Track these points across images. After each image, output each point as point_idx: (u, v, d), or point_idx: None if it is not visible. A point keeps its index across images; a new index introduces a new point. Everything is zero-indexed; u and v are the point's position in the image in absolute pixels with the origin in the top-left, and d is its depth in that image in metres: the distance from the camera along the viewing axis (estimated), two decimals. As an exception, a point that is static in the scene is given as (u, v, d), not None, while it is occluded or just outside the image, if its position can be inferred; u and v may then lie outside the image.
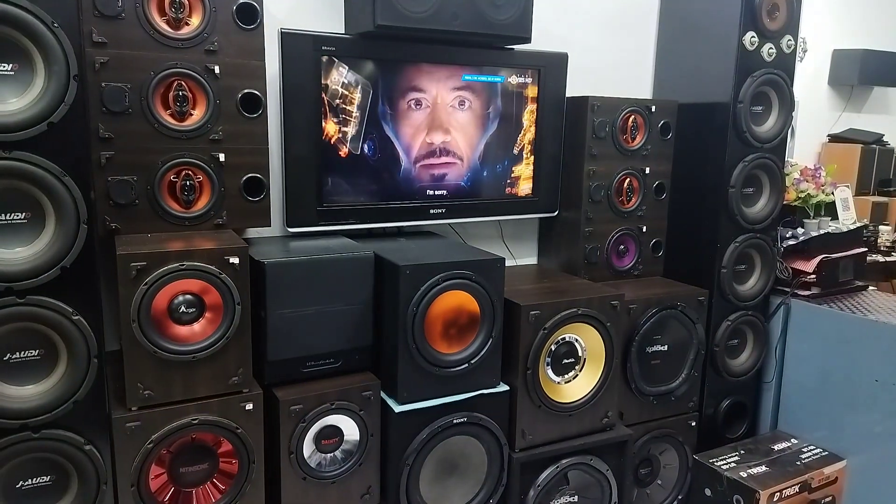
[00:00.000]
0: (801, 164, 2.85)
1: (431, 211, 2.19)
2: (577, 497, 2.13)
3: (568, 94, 2.35)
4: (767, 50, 2.39)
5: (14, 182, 1.40)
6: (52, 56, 1.39)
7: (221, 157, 1.78)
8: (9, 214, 1.42)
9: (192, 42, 1.72)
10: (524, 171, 2.34)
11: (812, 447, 2.50)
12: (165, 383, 1.60)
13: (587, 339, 2.06)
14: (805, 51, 3.19)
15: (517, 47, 2.21)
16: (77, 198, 1.44)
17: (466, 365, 1.89)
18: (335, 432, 1.79)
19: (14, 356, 1.45)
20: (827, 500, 2.42)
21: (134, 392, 1.58)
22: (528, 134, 2.31)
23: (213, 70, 1.74)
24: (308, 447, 1.77)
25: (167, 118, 1.73)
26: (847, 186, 2.84)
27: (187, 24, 1.72)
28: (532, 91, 2.28)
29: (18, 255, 1.42)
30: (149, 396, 1.59)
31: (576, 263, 2.38)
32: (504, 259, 1.92)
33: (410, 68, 2.07)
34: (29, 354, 1.47)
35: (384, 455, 1.87)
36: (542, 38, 2.29)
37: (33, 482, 1.52)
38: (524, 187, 2.35)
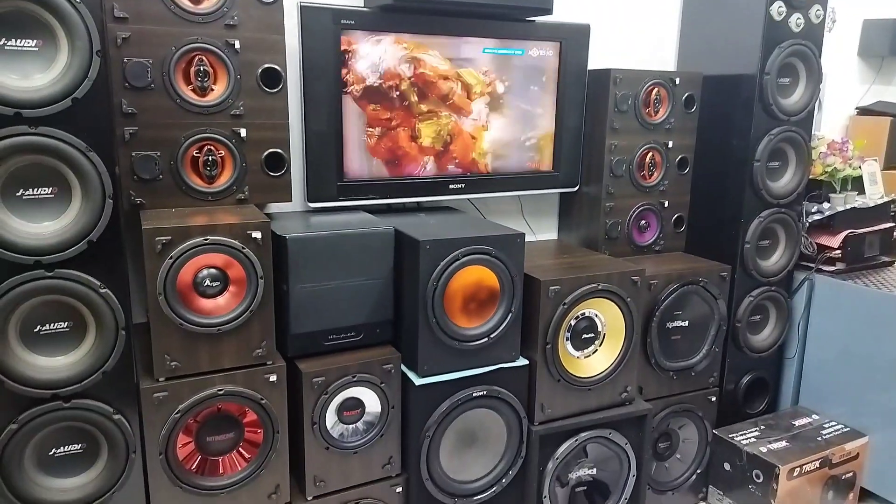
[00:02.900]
0: (828, 137, 2.79)
1: (451, 186, 2.19)
2: (595, 470, 2.14)
3: (590, 67, 2.31)
4: (795, 20, 2.33)
5: (40, 157, 1.42)
6: (75, 32, 1.40)
7: (243, 132, 1.79)
8: (36, 189, 1.44)
9: (213, 17, 1.72)
10: (544, 146, 2.32)
11: (833, 423, 2.49)
12: (191, 355, 1.64)
13: (607, 315, 2.06)
14: (834, 21, 3.10)
15: (538, 19, 2.18)
16: (102, 173, 1.46)
17: (486, 339, 1.90)
18: (357, 404, 1.82)
19: (44, 328, 1.49)
20: (848, 475, 2.41)
21: (161, 363, 1.61)
22: (548, 107, 2.29)
23: (234, 45, 1.74)
24: (331, 418, 1.80)
25: (189, 93, 1.74)
26: (875, 160, 2.78)
27: (207, -2, 1.72)
28: (553, 63, 2.25)
29: (46, 229, 1.45)
30: (175, 367, 1.62)
31: (596, 239, 2.37)
32: (524, 234, 1.91)
33: (429, 41, 2.05)
34: (58, 326, 1.50)
35: (405, 427, 1.90)
36: (564, 10, 2.25)
37: (65, 450, 1.56)
38: (544, 162, 2.33)
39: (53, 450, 1.55)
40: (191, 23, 1.70)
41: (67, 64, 1.41)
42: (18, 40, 1.39)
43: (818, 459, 2.32)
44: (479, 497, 1.99)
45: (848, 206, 2.56)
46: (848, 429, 2.46)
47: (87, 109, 1.43)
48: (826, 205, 2.58)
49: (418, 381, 1.84)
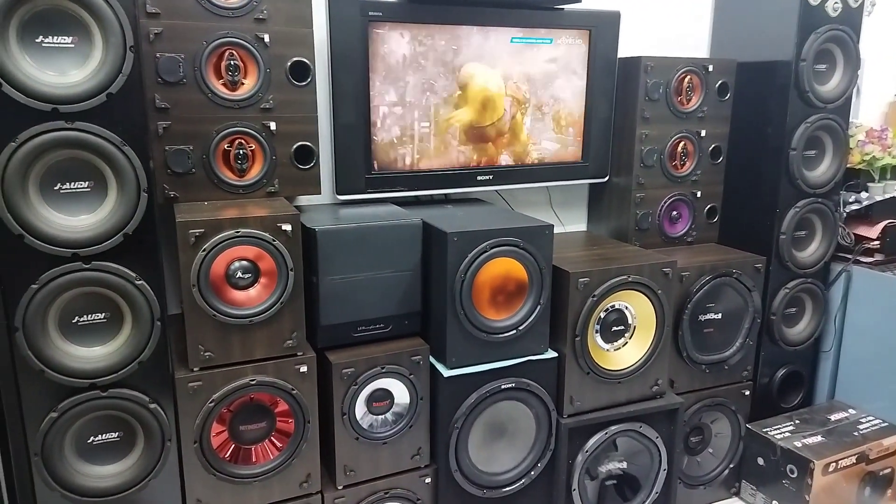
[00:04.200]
0: (867, 125, 2.72)
1: (479, 178, 2.18)
2: (625, 463, 2.13)
3: (620, 55, 2.28)
4: (833, 4, 2.26)
5: (77, 152, 1.45)
6: (109, 28, 1.43)
7: (272, 125, 1.81)
8: (73, 183, 1.47)
9: (242, 10, 1.73)
10: (574, 136, 2.29)
11: (871, 418, 2.43)
12: (224, 346, 1.66)
13: (637, 307, 2.04)
14: (874, 4, 3.00)
15: (567, 7, 2.15)
16: (137, 167, 1.49)
17: (514, 331, 1.90)
18: (386, 395, 1.83)
19: (82, 319, 1.53)
20: (886, 471, 2.36)
21: (195, 354, 1.64)
22: (578, 97, 2.26)
23: (263, 39, 1.76)
24: (360, 409, 1.81)
25: (220, 88, 1.75)
26: (917, 148, 2.70)
27: (237, -8, 1.73)
28: (582, 52, 2.22)
29: (83, 222, 1.48)
30: (209, 358, 1.65)
31: (626, 230, 2.34)
32: (552, 226, 1.90)
33: (458, 31, 2.04)
34: (95, 317, 1.54)
35: (433, 418, 1.90)
36: (594, -2, 2.22)
37: (103, 438, 1.60)
38: (573, 152, 2.31)
39: (92, 438, 1.59)
40: (221, 17, 1.72)
41: (102, 60, 1.44)
42: (55, 37, 1.41)
43: (855, 455, 2.27)
44: (507, 489, 1.99)
45: (887, 196, 2.49)
46: (886, 424, 2.40)
47: (121, 104, 1.46)
48: (864, 194, 2.51)
49: (447, 373, 1.85)
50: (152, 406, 1.61)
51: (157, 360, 1.59)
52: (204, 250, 1.59)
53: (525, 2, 2.06)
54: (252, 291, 1.67)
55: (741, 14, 2.46)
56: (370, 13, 1.91)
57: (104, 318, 1.54)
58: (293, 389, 1.72)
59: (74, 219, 1.47)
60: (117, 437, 1.62)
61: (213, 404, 1.65)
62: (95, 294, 1.52)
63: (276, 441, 1.76)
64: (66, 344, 1.52)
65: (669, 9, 2.52)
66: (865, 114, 3.04)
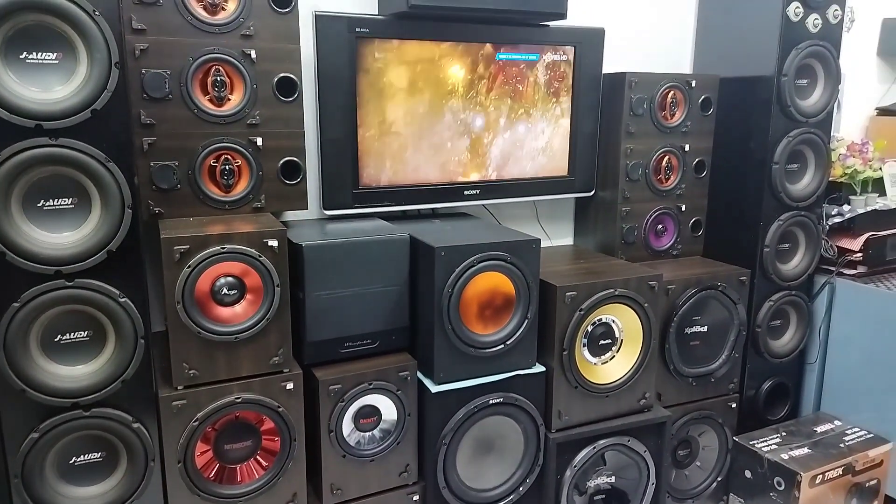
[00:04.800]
0: (848, 138, 2.75)
1: (466, 192, 2.19)
2: (614, 478, 2.12)
3: (605, 71, 2.30)
4: (813, 21, 2.30)
5: (61, 168, 1.44)
6: (94, 44, 1.42)
7: (259, 141, 1.80)
8: (56, 200, 1.46)
9: (229, 27, 1.73)
10: (559, 151, 2.31)
11: (856, 429, 2.45)
12: (209, 363, 1.65)
13: (624, 320, 2.05)
14: (853, 20, 3.06)
15: (552, 24, 2.17)
16: (121, 183, 1.48)
17: (502, 346, 1.89)
18: (373, 411, 1.82)
19: (64, 337, 1.51)
20: (872, 483, 2.37)
21: (180, 371, 1.62)
22: (563, 112, 2.28)
23: (250, 55, 1.76)
24: (347, 426, 1.80)
25: (206, 103, 1.75)
26: (896, 161, 2.74)
27: (223, 9, 1.73)
28: (568, 68, 2.24)
29: (66, 239, 1.46)
30: (194, 376, 1.63)
31: (613, 244, 2.35)
32: (539, 240, 1.90)
33: (444, 47, 2.05)
34: (78, 335, 1.52)
35: (421, 434, 1.89)
36: (578, 14, 2.25)
37: (85, 458, 1.58)
38: (560, 167, 2.32)
39: (74, 458, 1.57)
40: (208, 33, 1.72)
41: (87, 76, 1.43)
42: (39, 53, 1.41)
43: (841, 466, 2.28)
44: (496, 505, 1.98)
45: (869, 209, 2.52)
46: (871, 435, 2.41)
47: (106, 120, 1.45)
48: (846, 207, 2.54)
49: (434, 389, 1.84)
50: (135, 425, 1.58)
51: (141, 379, 1.57)
52: (189, 266, 1.58)
53: (511, 18, 2.07)
54: (238, 308, 1.65)
55: (723, 30, 2.50)
56: (357, 29, 1.91)
57: (87, 336, 1.52)
58: (279, 407, 1.71)
59: (57, 236, 1.46)
60: (100, 457, 1.59)
61: (197, 423, 1.63)
62: (78, 312, 1.50)
63: (261, 460, 1.74)
64: (48, 363, 1.50)
65: (653, 25, 2.55)
66: (846, 128, 3.09)
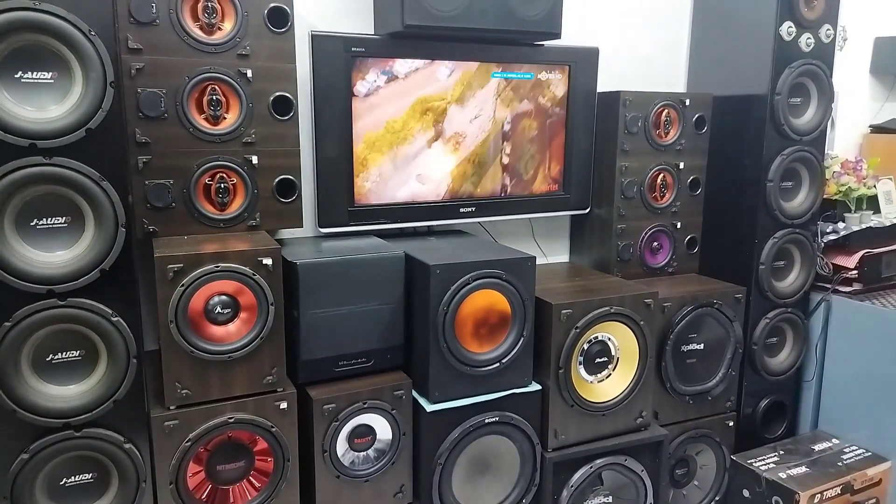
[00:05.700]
0: (842, 156, 2.77)
1: (461, 210, 2.19)
2: (611, 497, 2.10)
3: (599, 90, 2.32)
4: (805, 40, 2.32)
5: (54, 187, 1.43)
6: (89, 64, 1.42)
7: (254, 159, 1.81)
8: (50, 219, 1.45)
9: (225, 46, 1.74)
10: (555, 169, 2.31)
11: (854, 448, 2.43)
12: (202, 383, 1.63)
13: (620, 338, 2.04)
14: (845, 39, 3.09)
15: (547, 43, 2.19)
16: (115, 202, 1.47)
17: (498, 364, 1.89)
18: (368, 431, 1.81)
19: (56, 357, 1.49)
20: (870, 502, 2.35)
21: (172, 391, 1.61)
22: (558, 131, 2.29)
23: (246, 74, 1.76)
24: (341, 446, 1.78)
25: (202, 122, 1.75)
26: (890, 179, 2.75)
27: (220, 28, 1.74)
28: (562, 87, 2.26)
29: (59, 258, 1.46)
30: (186, 395, 1.62)
31: (608, 261, 2.35)
32: (535, 257, 1.90)
33: (440, 66, 2.06)
34: (70, 355, 1.51)
35: (416, 454, 1.87)
36: (573, 33, 2.26)
37: (76, 479, 1.56)
38: (555, 185, 2.33)
39: (65, 479, 1.55)
40: (204, 53, 1.72)
41: (82, 95, 1.43)
42: (34, 73, 1.41)
43: (839, 485, 2.27)
44: (492, 525, 1.96)
45: (863, 226, 2.53)
46: (869, 453, 2.40)
47: (100, 140, 1.45)
48: (841, 225, 2.55)
49: (429, 408, 1.83)
50: (127, 446, 1.56)
51: (133, 399, 1.56)
52: (182, 285, 1.57)
53: (505, 38, 2.09)
54: (231, 327, 1.65)
55: (717, 49, 2.52)
56: (353, 49, 1.92)
57: (79, 355, 1.51)
58: (273, 427, 1.69)
59: (50, 254, 1.45)
60: (91, 478, 1.57)
61: (189, 444, 1.62)
62: (70, 331, 1.49)
63: (254, 481, 1.72)
64: (39, 383, 1.48)
65: (647, 44, 2.57)
66: (840, 145, 3.10)
